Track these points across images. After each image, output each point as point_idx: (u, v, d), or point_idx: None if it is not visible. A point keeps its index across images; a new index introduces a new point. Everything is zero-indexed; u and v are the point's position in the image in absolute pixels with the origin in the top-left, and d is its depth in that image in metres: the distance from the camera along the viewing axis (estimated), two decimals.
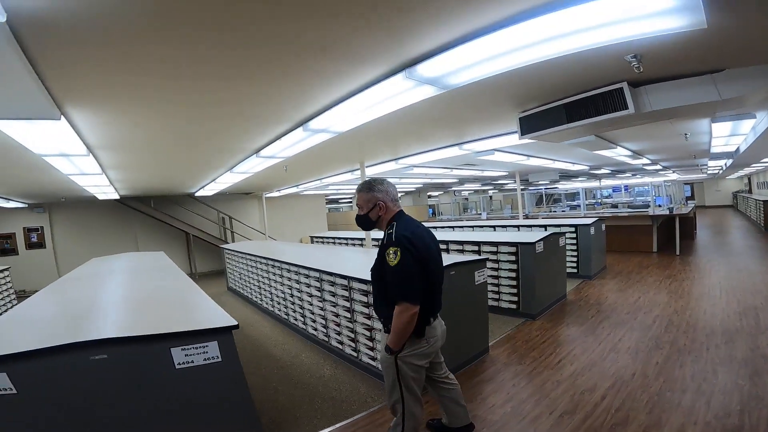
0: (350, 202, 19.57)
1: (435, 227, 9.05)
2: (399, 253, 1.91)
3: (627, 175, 14.02)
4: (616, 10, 1.75)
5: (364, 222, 2.15)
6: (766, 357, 3.08)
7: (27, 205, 9.26)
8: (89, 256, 7.78)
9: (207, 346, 1.98)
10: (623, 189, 14.45)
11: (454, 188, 17.98)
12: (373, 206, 2.08)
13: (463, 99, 3.28)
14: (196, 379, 1.99)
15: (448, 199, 18.20)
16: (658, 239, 8.63)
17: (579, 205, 11.24)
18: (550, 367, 3.32)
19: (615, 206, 11.45)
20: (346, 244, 8.22)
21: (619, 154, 7.27)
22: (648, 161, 9.29)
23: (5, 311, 6.21)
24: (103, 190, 6.82)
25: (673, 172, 13.26)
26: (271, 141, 4.17)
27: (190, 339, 1.95)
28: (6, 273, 6.53)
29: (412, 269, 1.92)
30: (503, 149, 6.32)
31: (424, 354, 2.05)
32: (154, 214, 9.98)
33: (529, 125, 3.80)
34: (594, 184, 15.48)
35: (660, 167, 11.01)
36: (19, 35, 1.63)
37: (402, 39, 2.02)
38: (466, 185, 15.96)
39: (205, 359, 1.98)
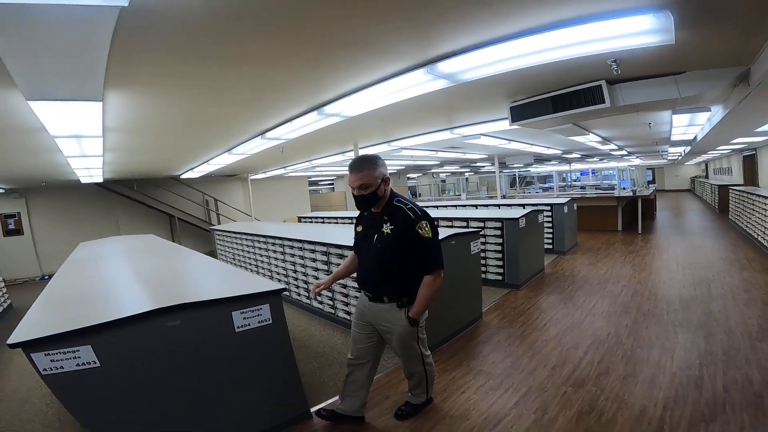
0: (331, 184, 19.66)
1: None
2: (429, 225, 2.02)
3: (595, 159, 14.86)
4: (603, 31, 2.21)
5: (371, 199, 2.05)
6: (718, 321, 3.61)
7: (3, 191, 8.95)
8: (70, 242, 7.62)
9: (260, 309, 2.24)
10: (590, 173, 15.34)
11: (433, 170, 18.42)
12: (381, 181, 2.04)
13: (464, 89, 3.56)
14: (251, 341, 2.23)
15: (427, 181, 18.65)
16: (623, 219, 9.39)
17: (551, 187, 11.92)
18: (538, 329, 3.79)
19: (583, 188, 12.22)
20: (336, 222, 8.45)
21: (591, 140, 7.83)
22: (615, 147, 9.98)
23: (3, 300, 6.16)
24: (92, 173, 6.73)
25: (637, 157, 14.18)
26: (279, 123, 4.36)
27: (247, 302, 2.19)
28: None
29: (438, 239, 2.09)
30: (489, 134, 6.71)
31: (426, 316, 2.22)
32: (137, 197, 9.85)
33: (518, 114, 4.21)
34: (565, 167, 16.30)
35: (625, 153, 11.79)
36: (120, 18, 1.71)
37: (431, 41, 2.33)
38: (445, 167, 16.41)
39: (259, 321, 2.24)
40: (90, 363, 1.83)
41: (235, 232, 6.87)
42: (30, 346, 1.72)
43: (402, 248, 2.03)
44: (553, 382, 2.77)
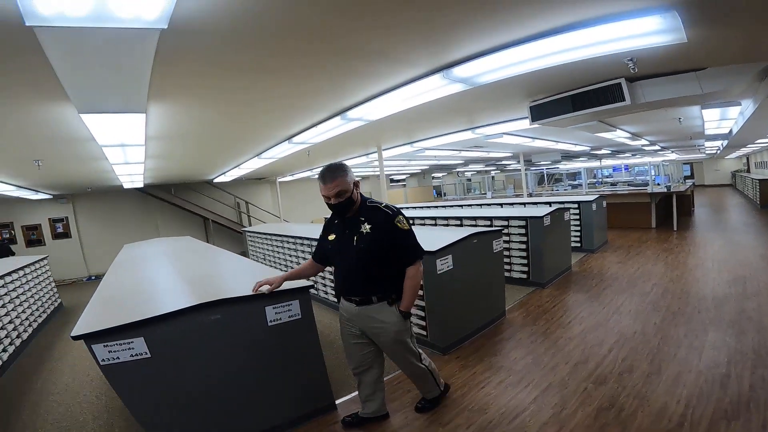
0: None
1: (444, 206, 9.49)
2: (405, 219, 2.15)
3: (627, 155, 14.39)
4: (615, 32, 2.26)
5: (348, 205, 2.11)
6: (751, 319, 3.50)
7: (52, 197, 9.56)
8: (114, 244, 8.13)
9: (291, 304, 2.41)
10: (623, 168, 14.85)
11: (458, 169, 18.34)
12: (354, 186, 2.12)
13: (481, 91, 3.63)
14: (282, 334, 2.40)
15: (452, 180, 18.58)
16: (657, 216, 9.07)
17: (580, 184, 11.65)
18: (562, 326, 3.79)
19: (615, 185, 11.87)
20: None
21: (619, 136, 7.65)
22: (647, 142, 9.67)
23: (54, 299, 6.56)
24: (134, 178, 7.19)
25: (672, 152, 13.64)
26: (305, 128, 4.57)
27: (279, 299, 2.36)
28: (45, 262, 6.55)
29: (413, 232, 2.19)
30: (511, 132, 6.70)
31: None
32: (174, 201, 10.38)
33: (538, 113, 4.24)
34: (595, 164, 15.86)
35: (659, 148, 11.39)
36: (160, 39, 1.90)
37: (445, 48, 2.44)
38: (470, 166, 16.32)
39: (289, 316, 2.41)
40: (142, 354, 2.03)
41: (265, 233, 7.15)
42: (91, 338, 1.92)
43: (384, 244, 2.09)
44: (574, 379, 2.79)
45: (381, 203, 2.20)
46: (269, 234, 6.90)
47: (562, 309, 4.29)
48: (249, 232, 8.31)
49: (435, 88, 3.09)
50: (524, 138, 7.67)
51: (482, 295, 3.87)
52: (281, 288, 2.37)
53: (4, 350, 4.13)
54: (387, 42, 2.32)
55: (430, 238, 3.87)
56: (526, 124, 5.15)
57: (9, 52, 1.88)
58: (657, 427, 2.19)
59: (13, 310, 4.63)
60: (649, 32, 2.21)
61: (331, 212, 2.23)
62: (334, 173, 2.06)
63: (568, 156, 13.82)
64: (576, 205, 7.07)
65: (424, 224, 6.99)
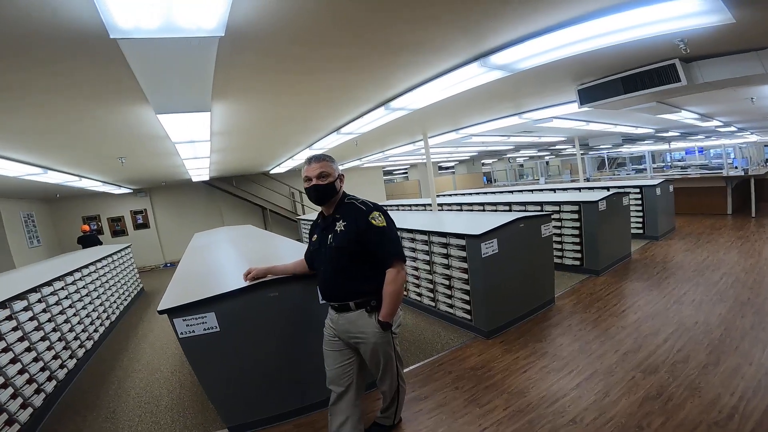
0: (405, 173, 20.00)
1: (493, 192, 9.32)
2: (382, 216, 1.94)
3: (700, 137, 13.09)
4: (659, 13, 2.18)
5: (328, 191, 1.99)
6: None
7: (132, 191, 10.66)
8: (185, 233, 8.91)
9: None
10: (697, 151, 13.56)
11: (509, 155, 17.77)
12: (338, 177, 2.03)
13: (525, 77, 3.57)
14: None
15: (502, 166, 18.07)
16: (733, 202, 8.26)
17: (645, 168, 10.85)
18: (615, 315, 3.68)
19: (685, 168, 10.92)
20: (410, 209, 8.74)
21: (685, 117, 7.04)
22: (720, 123, 8.78)
23: (137, 284, 7.28)
24: (200, 172, 7.85)
25: (752, 133, 12.21)
26: (352, 119, 4.75)
27: None
28: (129, 250, 7.21)
29: (396, 230, 1.97)
30: (561, 116, 6.42)
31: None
32: (236, 192, 11.14)
33: (587, 96, 4.08)
34: (662, 147, 14.61)
35: (735, 129, 10.26)
36: (219, 45, 2.03)
37: (481, 36, 2.47)
38: (521, 152, 15.74)
39: None
40: (213, 327, 2.29)
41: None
42: (173, 313, 2.24)
43: (357, 243, 1.91)
44: (623, 368, 2.74)
45: (358, 199, 2.05)
46: None
47: (616, 297, 4.15)
48: (303, 220, 8.76)
49: (473, 76, 3.09)
50: (577, 122, 7.29)
51: (529, 280, 3.85)
52: None
53: (96, 330, 4.59)
54: (424, 33, 2.37)
55: (475, 222, 3.93)
56: (575, 107, 4.94)
57: (99, 62, 2.20)
58: (705, 417, 2.13)
59: (104, 293, 5.23)
60: (693, 13, 2.10)
61: (313, 204, 2.13)
62: (322, 156, 2.02)
63: (631, 139, 12.85)
64: (638, 190, 6.67)
65: (471, 209, 6.97)
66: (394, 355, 2.05)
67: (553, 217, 5.15)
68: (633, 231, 6.18)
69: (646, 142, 14.89)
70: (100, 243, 8.66)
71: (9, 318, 3.03)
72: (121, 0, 1.50)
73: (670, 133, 11.99)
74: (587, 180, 10.80)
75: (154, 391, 3.31)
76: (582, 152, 10.93)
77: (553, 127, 7.54)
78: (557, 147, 14.80)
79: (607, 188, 6.42)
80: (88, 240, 8.52)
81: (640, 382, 2.53)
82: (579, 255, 5.12)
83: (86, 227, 8.94)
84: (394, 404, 2.26)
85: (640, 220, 6.71)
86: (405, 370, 2.27)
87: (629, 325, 3.42)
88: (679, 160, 13.90)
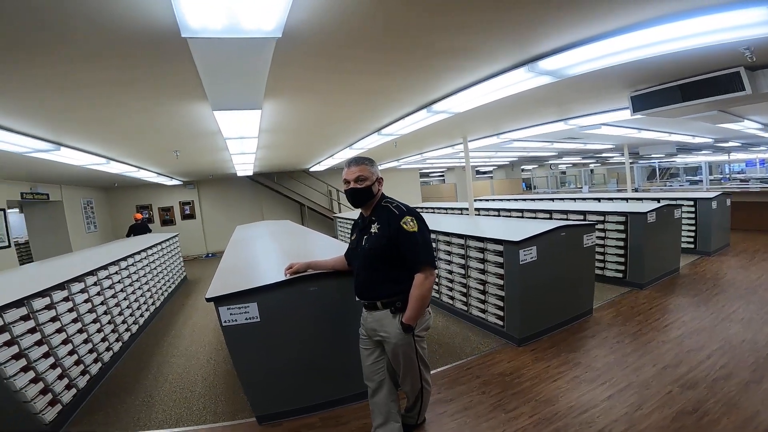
0: (441, 175, 19.89)
1: (532, 199, 9.11)
2: (415, 221, 1.97)
3: (762, 148, 12.13)
4: (724, 22, 2.09)
5: (365, 194, 2.06)
6: None
7: (182, 183, 11.28)
8: (227, 225, 9.26)
9: None
10: (758, 163, 12.57)
11: (550, 161, 17.25)
12: (376, 179, 2.09)
13: (574, 82, 3.50)
14: None
15: (543, 173, 17.57)
16: None
17: (701, 180, 10.21)
18: (656, 329, 3.53)
19: (747, 182, 10.16)
20: (446, 212, 8.72)
21: (747, 127, 6.58)
22: None
23: (181, 272, 7.64)
24: (245, 167, 8.22)
25: None
26: (393, 121, 4.83)
27: None
28: (177, 239, 7.55)
29: (429, 236, 2.01)
30: (611, 123, 6.19)
31: (427, 326, 2.10)
32: (276, 188, 11.54)
33: (641, 103, 3.93)
34: (721, 157, 13.66)
35: None
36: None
37: (531, 41, 2.46)
38: (564, 158, 15.23)
39: None
40: (254, 318, 2.39)
41: (353, 219, 7.61)
42: (219, 301, 2.36)
43: (388, 246, 1.96)
44: (660, 382, 2.65)
45: (393, 202, 2.09)
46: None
47: (660, 312, 3.97)
48: (339, 218, 8.95)
49: (519, 81, 3.07)
50: (628, 129, 6.99)
51: (567, 290, 3.78)
52: None
53: (141, 315, 4.77)
54: (474, 38, 2.40)
55: (513, 229, 3.91)
56: (626, 114, 4.77)
57: (167, 59, 2.37)
58: None
59: (152, 279, 5.52)
60: (761, 22, 2.00)
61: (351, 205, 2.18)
62: (360, 160, 2.08)
63: (686, 149, 12.11)
64: (691, 203, 6.32)
65: (509, 216, 6.86)
66: (416, 357, 2.06)
67: (596, 227, 5.01)
68: (683, 245, 5.88)
69: (702, 152, 13.97)
70: (150, 231, 9.11)
71: (66, 299, 3.18)
72: (194, 1, 1.62)
73: (730, 144, 11.21)
74: (635, 190, 10.30)
75: (189, 377, 3.43)
76: (631, 161, 10.43)
77: (602, 134, 7.28)
78: (604, 155, 14.20)
79: (658, 200, 6.14)
80: (139, 228, 8.96)
81: (677, 397, 2.45)
82: (622, 267, 4.93)
83: (139, 215, 9.53)
84: (417, 405, 2.29)
85: (692, 234, 6.35)
86: (432, 372, 2.28)
87: (671, 340, 3.28)
88: (739, 172, 12.95)
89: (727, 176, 11.82)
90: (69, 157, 4.90)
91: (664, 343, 3.24)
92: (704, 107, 3.65)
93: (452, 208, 8.67)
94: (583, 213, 5.40)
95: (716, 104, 3.55)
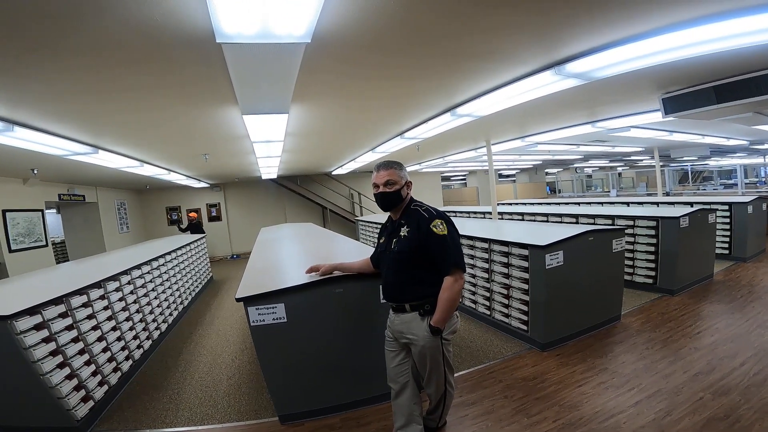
0: (463, 179, 19.74)
1: (557, 203, 8.94)
2: (444, 224, 1.98)
3: None
4: (763, 23, 2.01)
5: (394, 198, 2.08)
6: None
7: (209, 185, 11.58)
8: (251, 227, 9.35)
9: None
10: None
11: (576, 165, 16.87)
12: (405, 183, 2.10)
13: (602, 85, 3.46)
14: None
15: (568, 176, 17.18)
16: None
17: (736, 184, 9.79)
18: (688, 336, 3.42)
19: None
20: (468, 216, 8.66)
21: None
22: None
23: (208, 273, 7.81)
24: (270, 170, 8.41)
25: None
26: (416, 124, 4.85)
27: None
28: (204, 240, 7.77)
29: (458, 239, 2.02)
30: (641, 126, 6.03)
31: (455, 329, 2.10)
32: (299, 191, 11.73)
33: (673, 105, 3.83)
34: (757, 160, 13.05)
35: None
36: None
37: (558, 44, 2.46)
38: (591, 161, 14.88)
39: None
40: (281, 318, 2.43)
41: (374, 223, 7.71)
42: (248, 301, 2.42)
43: (418, 249, 1.99)
44: (690, 388, 2.57)
45: (423, 206, 2.10)
46: (377, 223, 7.41)
47: (692, 318, 3.84)
48: (361, 221, 9.02)
49: (546, 84, 3.05)
50: (659, 131, 6.79)
51: (594, 295, 3.70)
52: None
53: (170, 314, 4.86)
54: (499, 42, 2.41)
55: (539, 233, 3.86)
56: (658, 116, 4.65)
57: (201, 64, 2.46)
58: None
59: (181, 278, 5.68)
60: None
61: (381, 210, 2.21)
62: (389, 164, 2.10)
63: (720, 151, 11.64)
64: (726, 207, 6.09)
65: (534, 220, 6.76)
66: (442, 360, 2.06)
67: (626, 231, 4.89)
68: (717, 251, 5.66)
69: (737, 154, 13.40)
70: (203, 231, 9.30)
71: (102, 297, 3.27)
72: (229, 7, 1.68)
73: (767, 146, 10.71)
74: (667, 194, 9.96)
75: (215, 376, 3.49)
76: (662, 164, 10.10)
77: (631, 136, 7.10)
78: (633, 158, 13.80)
79: (691, 204, 5.94)
80: (195, 227, 9.22)
81: (708, 404, 2.38)
82: (653, 273, 4.79)
83: (194, 214, 9.67)
84: (440, 408, 2.29)
85: (727, 239, 6.11)
86: (454, 375, 2.27)
87: (704, 347, 3.17)
88: None
89: (763, 180, 11.26)
90: (105, 160, 5.13)
91: (696, 349, 3.14)
92: (739, 109, 3.53)
93: (475, 212, 8.60)
94: (612, 217, 5.28)
95: (752, 106, 3.42)
